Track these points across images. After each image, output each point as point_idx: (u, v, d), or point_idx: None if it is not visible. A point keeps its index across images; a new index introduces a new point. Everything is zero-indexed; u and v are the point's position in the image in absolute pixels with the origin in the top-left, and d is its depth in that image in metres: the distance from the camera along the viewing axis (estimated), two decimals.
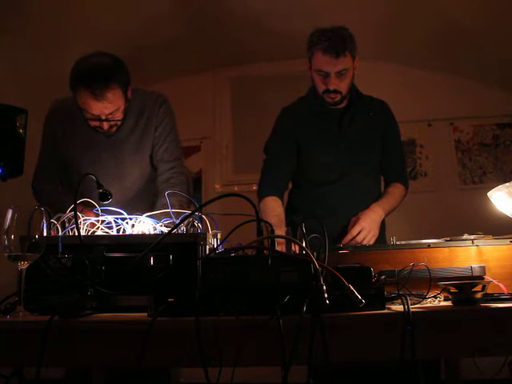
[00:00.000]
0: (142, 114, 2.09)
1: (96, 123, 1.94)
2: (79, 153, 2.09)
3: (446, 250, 1.34)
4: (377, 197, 2.19)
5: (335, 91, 2.11)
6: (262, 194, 2.19)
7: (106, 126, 1.95)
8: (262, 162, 2.30)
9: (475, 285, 1.08)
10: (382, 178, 2.33)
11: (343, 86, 2.12)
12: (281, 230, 1.90)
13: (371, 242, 2.00)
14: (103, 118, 1.91)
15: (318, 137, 2.21)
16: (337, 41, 2.03)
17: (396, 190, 2.23)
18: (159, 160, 2.13)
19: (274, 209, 2.11)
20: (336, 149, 2.19)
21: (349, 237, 1.98)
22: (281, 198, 2.19)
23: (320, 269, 1.03)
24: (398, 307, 1.09)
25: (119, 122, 1.98)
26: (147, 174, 2.15)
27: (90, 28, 3.23)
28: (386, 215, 2.15)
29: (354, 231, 1.98)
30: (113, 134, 2.02)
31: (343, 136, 2.21)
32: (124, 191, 2.08)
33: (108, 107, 1.89)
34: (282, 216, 2.10)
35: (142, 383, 1.91)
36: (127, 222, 1.40)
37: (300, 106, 2.30)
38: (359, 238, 1.97)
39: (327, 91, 2.11)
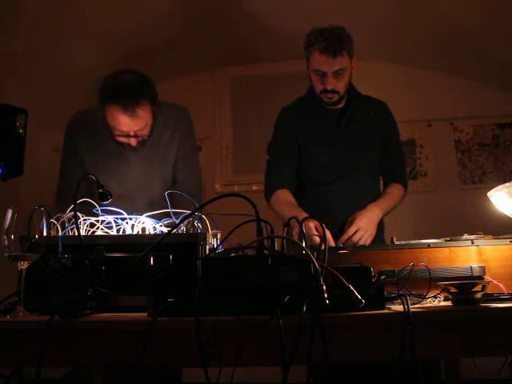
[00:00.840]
0: (166, 127, 2.09)
1: (124, 139, 1.96)
2: (105, 168, 2.07)
3: (446, 250, 1.34)
4: (376, 197, 2.19)
5: (333, 91, 2.11)
6: (270, 190, 2.17)
7: (134, 142, 1.97)
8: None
9: (475, 285, 1.08)
10: (381, 179, 2.33)
11: (341, 86, 2.12)
12: (301, 214, 1.85)
13: (368, 242, 1.99)
14: (132, 134, 1.93)
15: (317, 137, 2.22)
16: (334, 40, 2.03)
17: (395, 191, 2.23)
18: (181, 177, 2.14)
19: (286, 198, 2.11)
20: (334, 149, 2.19)
21: (345, 237, 1.97)
22: (290, 190, 2.17)
23: (320, 269, 1.03)
24: (398, 307, 1.09)
25: (146, 137, 1.99)
26: (168, 185, 2.16)
27: (89, 28, 3.23)
28: (384, 215, 2.15)
29: (351, 231, 1.97)
30: (138, 148, 2.02)
31: (341, 136, 2.21)
32: (151, 202, 2.08)
33: (138, 123, 1.90)
34: (295, 203, 2.08)
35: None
36: (127, 222, 1.40)
37: (299, 106, 2.30)
38: (355, 238, 1.97)
39: (325, 91, 2.12)
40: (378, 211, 2.09)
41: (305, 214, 1.84)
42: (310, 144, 2.21)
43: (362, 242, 1.97)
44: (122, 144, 1.99)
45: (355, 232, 1.97)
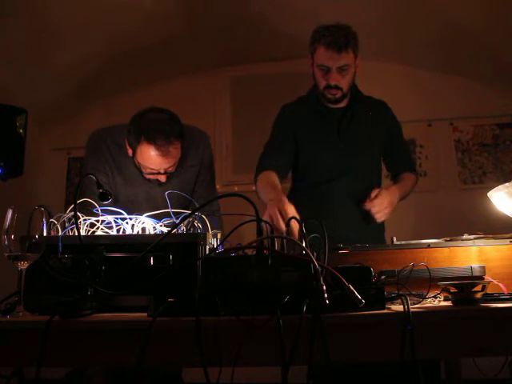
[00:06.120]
0: (186, 158, 2.08)
1: (153, 176, 1.98)
2: (127, 190, 2.08)
3: (446, 250, 1.34)
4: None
5: (336, 87, 2.11)
6: (257, 171, 2.12)
7: (163, 178, 1.98)
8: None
9: (475, 285, 1.08)
10: (389, 173, 2.35)
11: (344, 83, 2.12)
12: (281, 201, 1.76)
13: (382, 219, 2.01)
14: (162, 171, 1.95)
15: (318, 136, 2.21)
16: (340, 36, 2.04)
17: (408, 178, 2.24)
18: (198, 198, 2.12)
19: (268, 179, 2.01)
20: (335, 149, 2.19)
21: (368, 203, 1.98)
22: (279, 173, 2.08)
23: (320, 269, 1.03)
24: (397, 307, 1.10)
25: (173, 172, 2.00)
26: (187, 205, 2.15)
27: (90, 27, 3.22)
28: (399, 200, 2.13)
29: (375, 201, 1.97)
30: (164, 183, 2.02)
31: (343, 136, 2.20)
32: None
33: (169, 161, 1.92)
34: (279, 187, 1.98)
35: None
36: (127, 222, 1.40)
37: (300, 104, 2.29)
38: (374, 209, 1.97)
39: (328, 87, 2.11)
40: (397, 194, 2.09)
41: (280, 197, 1.77)
42: (311, 143, 2.21)
43: (378, 216, 1.98)
44: (148, 179, 2.01)
45: (376, 198, 1.97)
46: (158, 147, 1.86)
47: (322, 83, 2.13)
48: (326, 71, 2.09)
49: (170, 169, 1.96)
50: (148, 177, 2.00)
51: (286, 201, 1.72)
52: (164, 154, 1.88)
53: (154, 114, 1.93)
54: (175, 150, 1.91)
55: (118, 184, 2.08)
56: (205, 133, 2.23)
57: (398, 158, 2.32)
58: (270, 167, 2.10)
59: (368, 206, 1.98)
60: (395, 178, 2.28)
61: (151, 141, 1.86)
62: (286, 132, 2.22)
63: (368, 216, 2.03)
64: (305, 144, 2.21)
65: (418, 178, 2.33)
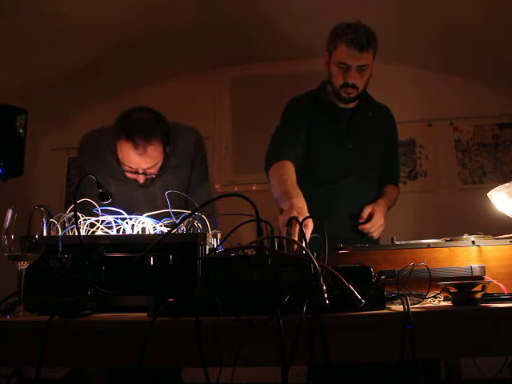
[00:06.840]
0: (174, 158, 2.07)
1: (132, 176, 1.97)
2: (119, 190, 2.06)
3: (446, 250, 1.34)
4: (373, 198, 2.19)
5: (353, 86, 2.10)
6: (274, 157, 2.04)
7: (142, 179, 1.97)
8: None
9: (475, 285, 1.08)
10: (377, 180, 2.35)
11: (361, 83, 2.11)
12: (301, 198, 1.77)
13: (379, 235, 2.08)
14: (140, 171, 1.94)
15: (328, 134, 2.19)
16: (362, 35, 2.04)
17: (393, 192, 2.29)
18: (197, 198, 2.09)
19: (285, 173, 1.95)
20: (343, 149, 2.19)
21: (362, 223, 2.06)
22: (294, 164, 2.03)
23: (320, 269, 1.03)
24: (397, 307, 1.10)
25: (154, 176, 1.99)
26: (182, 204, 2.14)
27: (90, 27, 3.22)
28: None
29: (373, 221, 2.05)
30: (147, 185, 2.02)
31: (351, 136, 2.20)
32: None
33: (147, 162, 1.91)
34: (297, 187, 1.88)
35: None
36: (127, 222, 1.40)
37: (311, 99, 2.27)
38: (372, 227, 2.04)
39: (346, 85, 2.10)
40: (386, 208, 2.16)
41: (300, 203, 1.74)
42: (320, 141, 2.19)
43: (375, 234, 2.06)
44: (129, 178, 2.00)
45: (370, 216, 2.05)
46: (135, 146, 1.85)
47: (340, 81, 2.11)
48: (346, 69, 2.08)
49: (150, 170, 1.95)
50: (128, 175, 1.98)
51: (305, 210, 1.71)
52: (142, 153, 1.87)
53: (140, 113, 1.93)
54: (154, 151, 1.90)
55: (110, 184, 2.08)
56: (196, 130, 2.21)
57: (387, 167, 2.32)
58: (285, 157, 2.03)
59: (367, 229, 2.05)
60: (380, 189, 2.30)
61: (129, 139, 1.85)
62: (299, 124, 2.19)
63: (364, 234, 2.08)
64: (315, 140, 2.19)
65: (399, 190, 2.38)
